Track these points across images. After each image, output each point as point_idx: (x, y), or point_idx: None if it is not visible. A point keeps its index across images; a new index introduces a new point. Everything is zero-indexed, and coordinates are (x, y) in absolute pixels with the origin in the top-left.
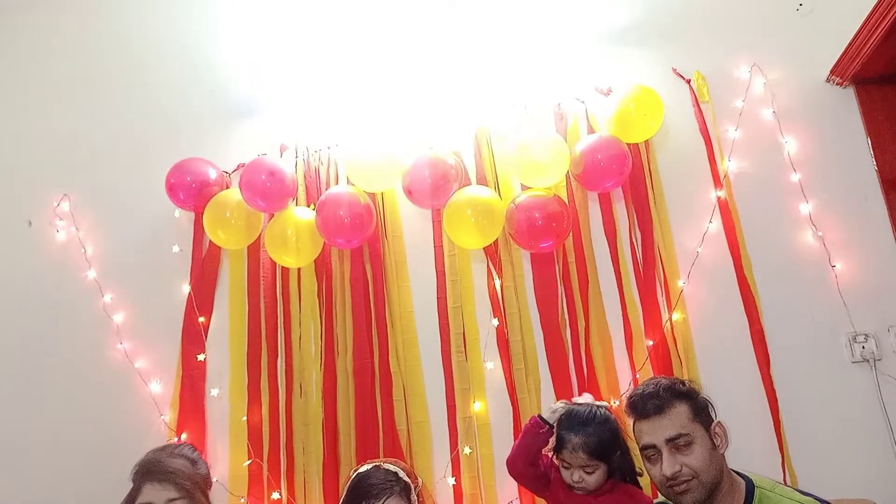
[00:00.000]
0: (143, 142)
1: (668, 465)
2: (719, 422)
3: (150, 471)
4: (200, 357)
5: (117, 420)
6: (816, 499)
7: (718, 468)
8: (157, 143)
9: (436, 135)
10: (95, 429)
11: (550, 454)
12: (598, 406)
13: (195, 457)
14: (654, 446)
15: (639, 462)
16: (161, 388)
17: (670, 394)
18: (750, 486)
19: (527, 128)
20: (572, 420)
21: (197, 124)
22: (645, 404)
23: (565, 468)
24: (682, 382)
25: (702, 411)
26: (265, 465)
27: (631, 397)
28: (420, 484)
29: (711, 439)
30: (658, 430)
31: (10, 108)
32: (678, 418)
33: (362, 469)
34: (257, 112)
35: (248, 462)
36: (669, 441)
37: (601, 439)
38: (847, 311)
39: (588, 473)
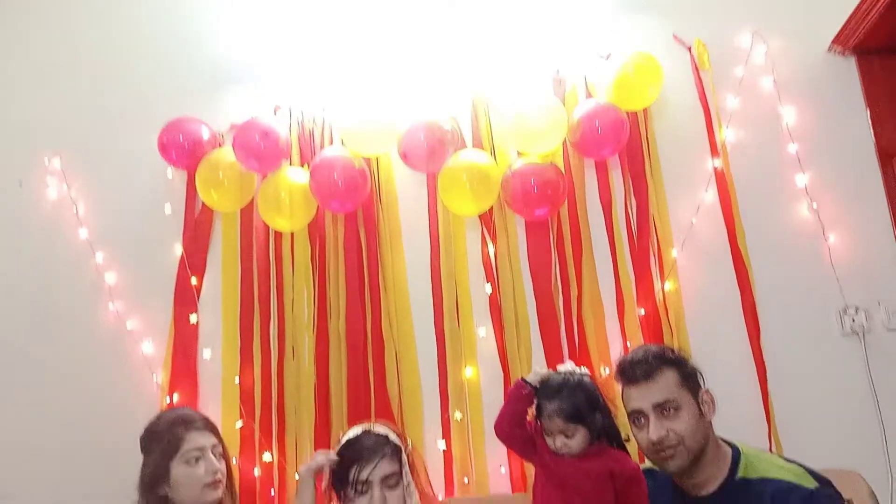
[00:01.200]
0: (137, 100)
1: (655, 429)
2: (707, 390)
3: (187, 421)
4: (193, 318)
5: (109, 380)
6: (801, 465)
7: (704, 435)
8: (150, 103)
9: (433, 100)
10: (86, 388)
11: (535, 421)
12: (573, 373)
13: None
14: (641, 411)
15: (626, 429)
16: (153, 348)
17: (659, 360)
18: (736, 453)
19: (524, 93)
20: (546, 388)
21: (190, 85)
22: (633, 370)
23: (548, 436)
24: (672, 350)
25: (690, 378)
26: (257, 427)
27: (620, 364)
28: (410, 445)
29: (699, 406)
30: (646, 395)
31: (1, 67)
32: (666, 384)
33: (351, 433)
34: (251, 75)
35: (240, 424)
36: (657, 406)
37: (575, 403)
38: (839, 284)
39: (569, 438)
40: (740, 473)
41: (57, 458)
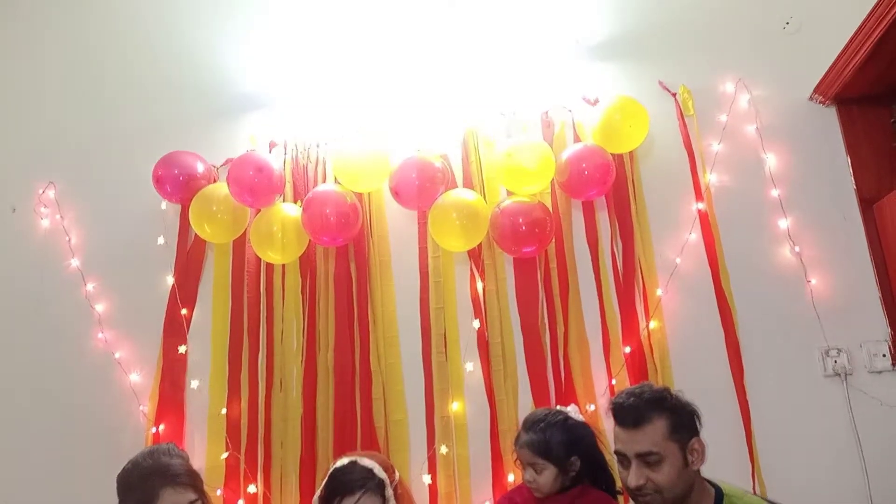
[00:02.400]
0: (132, 133)
1: (634, 477)
2: (699, 438)
3: (164, 474)
4: (182, 349)
5: (95, 409)
6: None
7: (687, 484)
8: (145, 135)
9: (424, 137)
10: (73, 417)
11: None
12: (561, 412)
13: (186, 455)
14: (625, 455)
15: (616, 473)
16: (141, 378)
17: (651, 407)
18: (719, 495)
19: (514, 133)
20: (528, 419)
21: (187, 118)
22: (623, 414)
23: (522, 468)
24: (670, 394)
25: (682, 427)
26: (242, 459)
27: (614, 402)
28: (397, 477)
29: (685, 456)
30: (630, 442)
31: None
32: (653, 435)
33: (339, 463)
34: (247, 108)
35: (226, 455)
36: (639, 455)
37: (547, 439)
38: (821, 325)
39: (537, 473)
40: None
41: (41, 486)
